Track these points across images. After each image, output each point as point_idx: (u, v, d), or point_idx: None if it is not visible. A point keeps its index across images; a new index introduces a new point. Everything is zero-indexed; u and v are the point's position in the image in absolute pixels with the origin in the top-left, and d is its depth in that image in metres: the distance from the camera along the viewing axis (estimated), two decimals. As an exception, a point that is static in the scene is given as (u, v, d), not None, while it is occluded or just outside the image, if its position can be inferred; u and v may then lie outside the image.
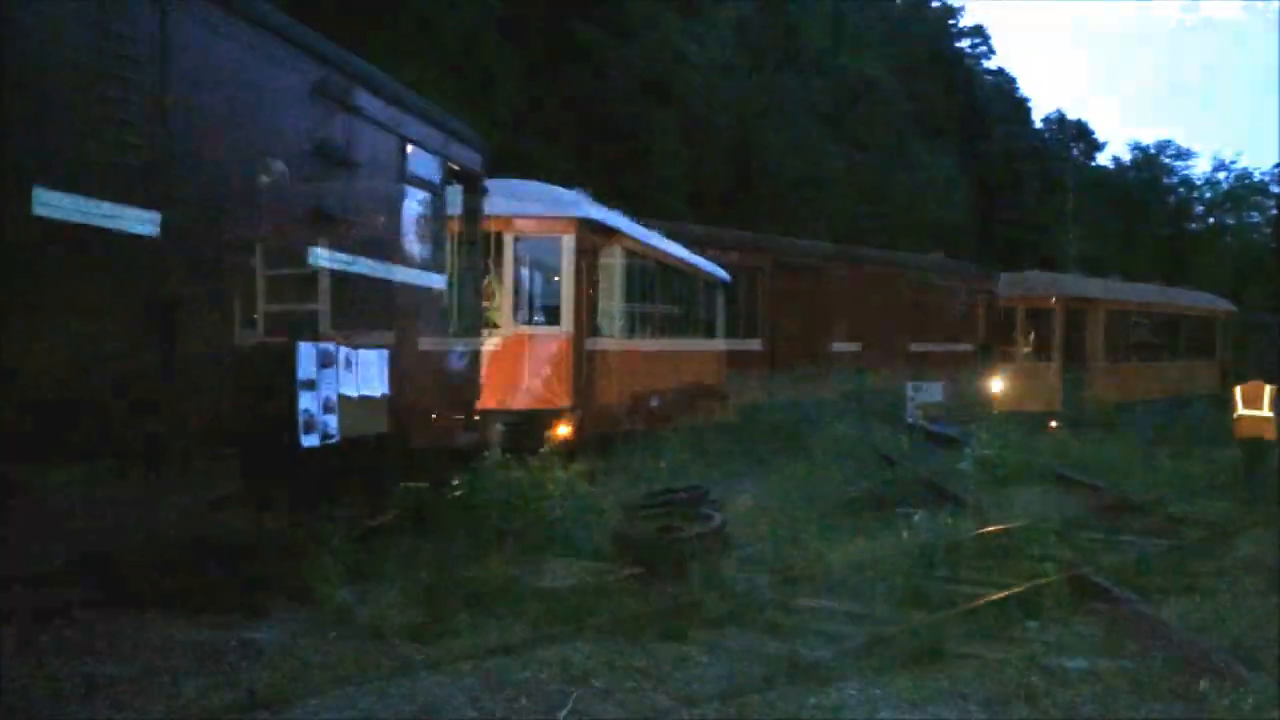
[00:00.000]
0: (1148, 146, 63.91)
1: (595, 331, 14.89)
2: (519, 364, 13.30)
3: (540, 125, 36.15)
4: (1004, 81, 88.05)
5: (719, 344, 25.00)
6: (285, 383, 6.98)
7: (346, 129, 7.83)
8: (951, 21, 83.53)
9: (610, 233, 15.33)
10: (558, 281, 13.94)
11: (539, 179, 15.46)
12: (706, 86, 44.15)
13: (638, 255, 16.82)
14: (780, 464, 15.81)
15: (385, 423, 8.28)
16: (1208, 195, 62.99)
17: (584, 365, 14.27)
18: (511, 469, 9.63)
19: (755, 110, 49.25)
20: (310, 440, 7.19)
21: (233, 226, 6.53)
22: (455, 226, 10.49)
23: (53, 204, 4.99)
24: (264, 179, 6.93)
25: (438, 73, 31.82)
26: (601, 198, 15.92)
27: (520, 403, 13.18)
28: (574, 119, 39.45)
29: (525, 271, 13.89)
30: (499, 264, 13.20)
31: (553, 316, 13.92)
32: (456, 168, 10.00)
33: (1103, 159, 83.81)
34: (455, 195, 10.34)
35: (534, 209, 13.68)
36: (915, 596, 7.23)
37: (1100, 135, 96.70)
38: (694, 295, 22.36)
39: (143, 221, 5.61)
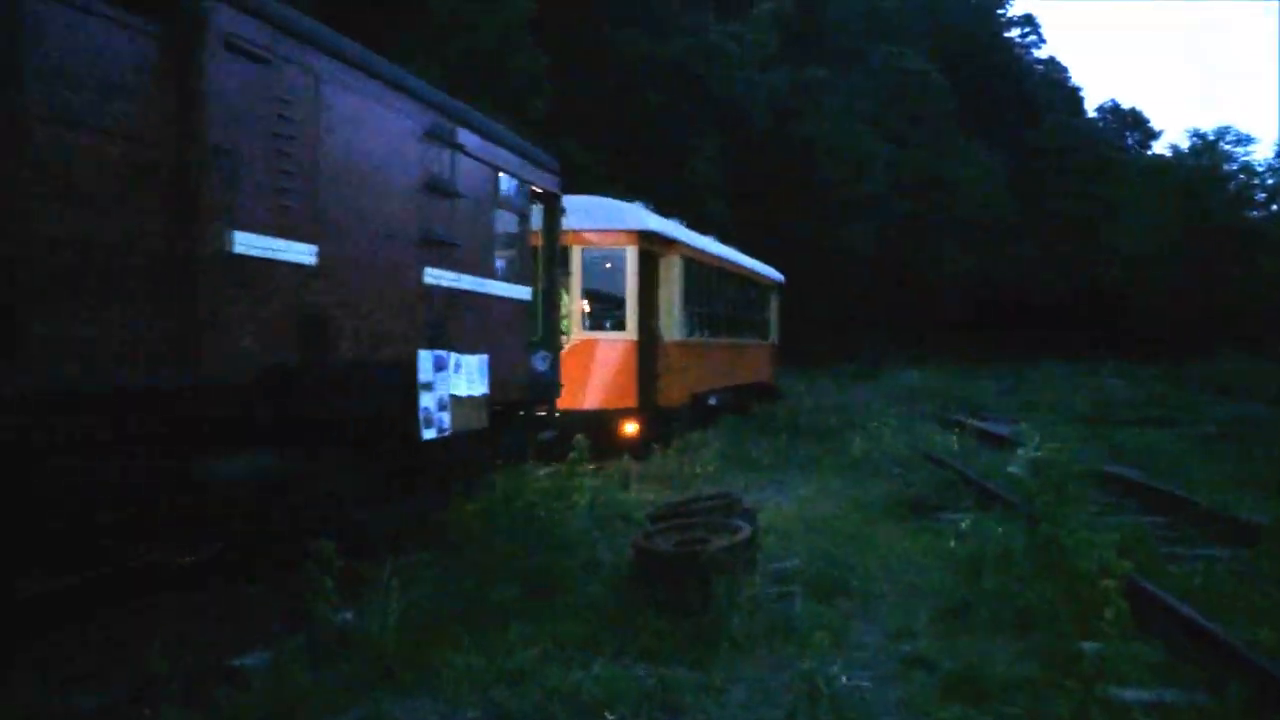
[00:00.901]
0: (1207, 133, 62.07)
1: (657, 335, 16.19)
2: (588, 367, 14.48)
3: (575, 124, 35.76)
4: (1054, 70, 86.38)
5: (772, 342, 27.09)
6: (408, 384, 8.24)
7: (450, 164, 9.07)
8: (1000, 11, 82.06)
9: (669, 242, 16.66)
10: (622, 290, 15.27)
11: (574, 179, 15.60)
12: (745, 83, 43.51)
13: (695, 261, 18.15)
14: (821, 460, 15.32)
15: (485, 419, 9.50)
16: (1269, 181, 61.07)
17: (647, 367, 15.60)
18: (544, 474, 9.24)
19: (794, 106, 48.55)
20: (429, 434, 8.41)
21: (366, 254, 7.73)
22: (537, 242, 11.66)
23: (246, 243, 6.27)
24: (388, 212, 8.09)
25: (472, 74, 31.62)
26: (637, 196, 16.05)
27: (589, 403, 14.36)
28: (609, 118, 39.05)
29: (592, 281, 15.17)
30: (568, 275, 14.38)
31: (618, 323, 15.24)
32: (538, 189, 11.36)
33: (1159, 147, 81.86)
34: (537, 214, 11.59)
35: (600, 223, 14.90)
36: (961, 613, 6.69)
37: (1156, 124, 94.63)
38: (748, 296, 23.77)
39: (305, 254, 6.90)
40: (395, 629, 5.87)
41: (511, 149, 10.55)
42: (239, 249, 6.20)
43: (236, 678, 5.28)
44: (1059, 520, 6.88)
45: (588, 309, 15.09)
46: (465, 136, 9.34)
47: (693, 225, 20.51)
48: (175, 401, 5.77)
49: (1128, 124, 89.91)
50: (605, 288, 15.39)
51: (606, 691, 5.22)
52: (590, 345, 14.75)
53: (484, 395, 9.48)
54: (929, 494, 11.35)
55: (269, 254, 6.52)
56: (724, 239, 23.90)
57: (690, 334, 17.98)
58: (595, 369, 14.67)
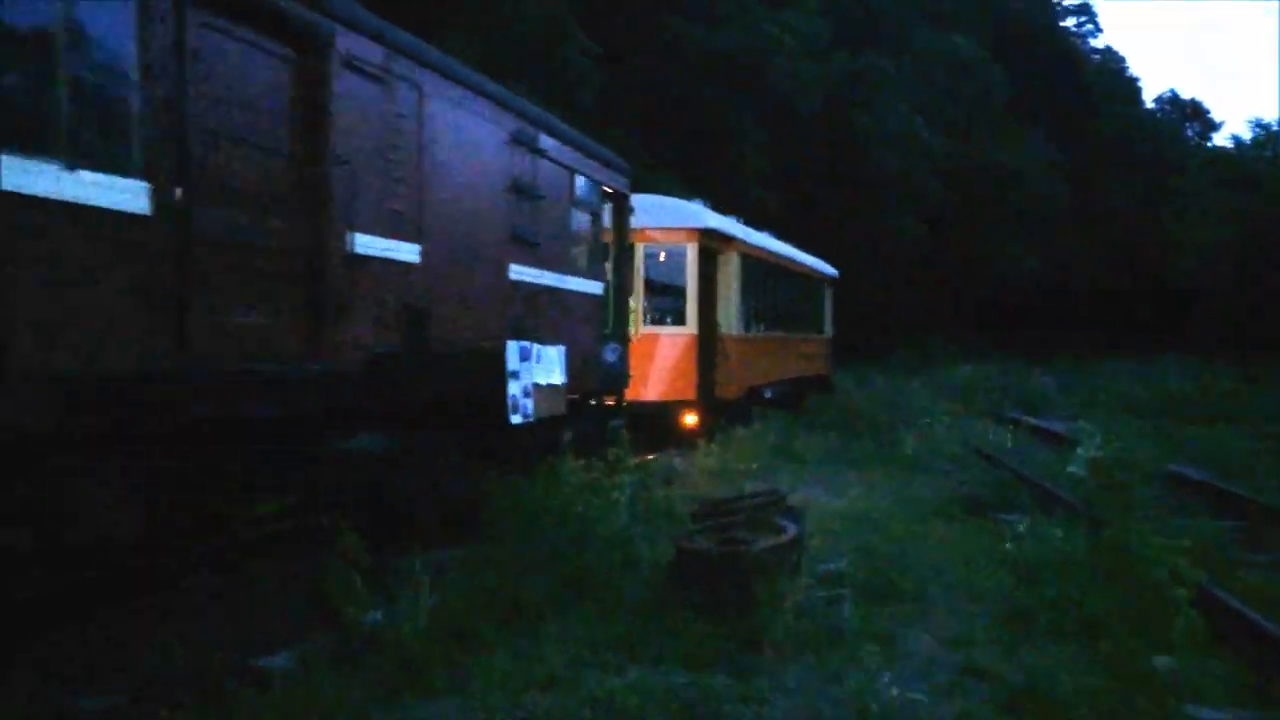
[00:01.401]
0: (1270, 123, 60.33)
1: (715, 329, 16.77)
2: (650, 360, 14.96)
3: (623, 113, 35.49)
4: (1112, 60, 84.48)
5: (827, 335, 28.04)
6: (497, 373, 8.82)
7: (533, 167, 9.75)
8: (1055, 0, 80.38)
9: (728, 240, 17.27)
10: (683, 285, 15.91)
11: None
12: (795, 72, 42.91)
13: (752, 258, 18.66)
14: (871, 456, 14.96)
15: (563, 406, 10.13)
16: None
17: (706, 360, 16.28)
18: (588, 467, 8.99)
19: (845, 94, 47.84)
20: (515, 419, 9.05)
21: (461, 252, 8.42)
22: (607, 238, 12.30)
23: (364, 244, 7.01)
24: (480, 213, 8.79)
25: (519, 61, 31.46)
26: (685, 185, 16.02)
27: (651, 394, 14.98)
28: (658, 106, 38.72)
29: (654, 277, 15.79)
30: (631, 271, 14.67)
31: (678, 317, 15.86)
32: (609, 189, 12.08)
33: (1220, 139, 79.78)
34: (608, 212, 12.24)
35: (662, 221, 15.35)
36: (1021, 620, 6.32)
37: (1217, 115, 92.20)
38: (804, 291, 24.49)
39: (411, 252, 7.64)
40: (425, 629, 5.65)
41: (585, 151, 11.29)
42: (359, 249, 6.96)
43: (259, 679, 5.08)
44: (1125, 524, 6.49)
45: (650, 304, 15.67)
46: (545, 141, 10.08)
47: (741, 215, 20.69)
48: (307, 385, 6.49)
49: (1187, 115, 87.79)
50: (666, 283, 16.02)
51: (642, 700, 4.95)
52: (652, 339, 15.27)
53: (562, 384, 10.12)
54: (983, 493, 10.97)
55: (382, 253, 7.27)
56: (773, 229, 23.87)
57: (747, 328, 18.42)
58: (657, 362, 15.25)
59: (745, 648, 5.70)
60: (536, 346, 9.51)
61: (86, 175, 4.85)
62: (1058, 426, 18.42)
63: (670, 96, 39.39)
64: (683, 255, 15.95)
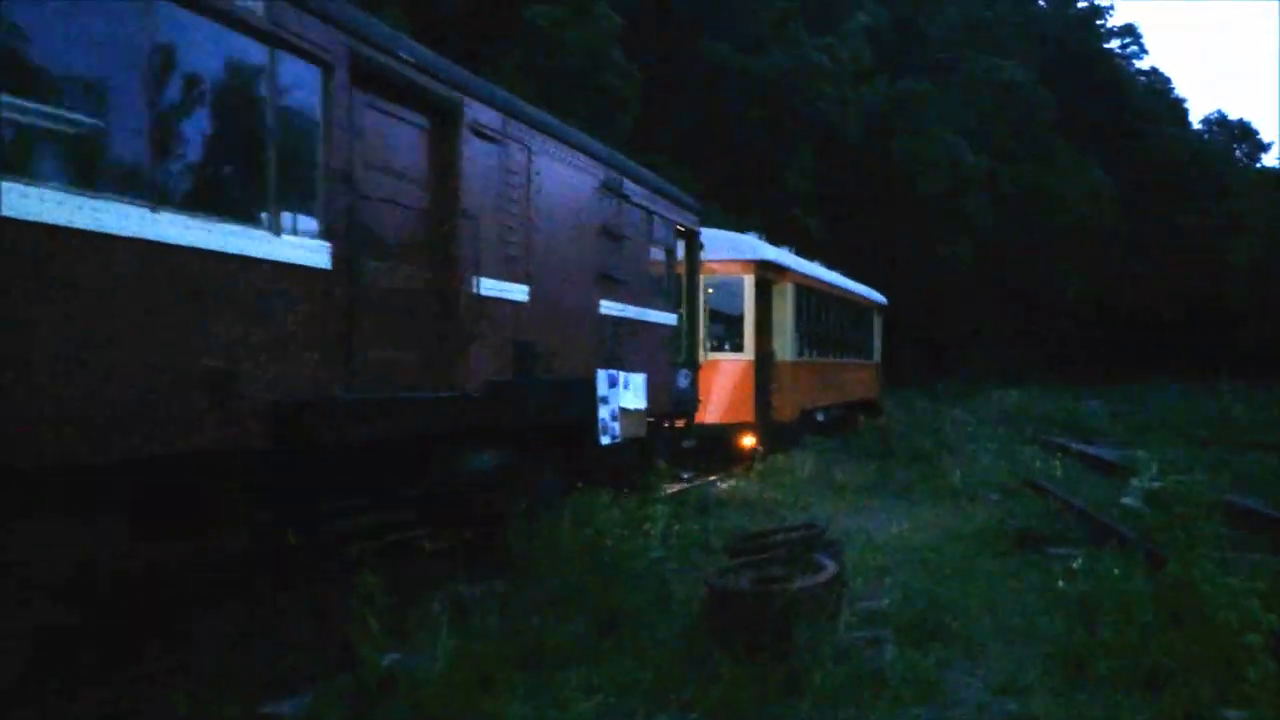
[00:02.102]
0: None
1: (771, 355, 17.74)
2: (710, 385, 15.57)
3: (666, 139, 35.38)
4: (1158, 82, 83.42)
5: (877, 361, 28.86)
6: (589, 398, 9.89)
7: (618, 211, 10.77)
8: (1100, 21, 79.54)
9: (782, 270, 18.26)
10: (740, 314, 16.92)
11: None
12: (838, 97, 42.63)
13: (805, 287, 19.65)
14: (916, 486, 14.56)
15: (644, 429, 11.25)
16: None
17: (763, 385, 17.23)
18: (621, 499, 8.72)
19: (889, 119, 47.45)
20: (605, 439, 10.08)
21: (560, 290, 9.38)
22: (680, 272, 13.19)
23: (486, 287, 8.00)
24: (576, 255, 9.74)
25: (562, 88, 31.47)
26: (728, 212, 16.23)
27: (712, 417, 15.75)
28: (701, 132, 38.60)
29: (714, 306, 16.39)
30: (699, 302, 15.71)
31: (737, 344, 16.87)
32: (682, 227, 13.01)
33: (1270, 159, 78.38)
34: (680, 248, 13.15)
35: (720, 254, 16.03)
36: (1077, 666, 5.92)
37: (1266, 135, 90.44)
38: (854, 318, 25.46)
39: (521, 292, 8.64)
40: (443, 672, 5.37)
41: (662, 194, 12.32)
42: (482, 291, 7.98)
43: (267, 726, 4.84)
44: (1189, 562, 6.08)
45: (711, 332, 16.25)
46: (629, 187, 11.08)
47: (784, 240, 21.23)
48: (441, 409, 7.47)
49: (1235, 136, 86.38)
50: (725, 312, 16.90)
51: (671, 752, 4.64)
52: (713, 365, 15.94)
53: (644, 408, 11.20)
54: (1033, 525, 10.50)
55: (499, 294, 8.28)
56: (816, 253, 24.19)
57: (801, 354, 19.36)
58: (717, 386, 16.01)
59: (781, 695, 5.36)
60: (622, 374, 10.64)
61: (288, 239, 6.01)
62: (1109, 454, 17.85)
63: (712, 121, 39.27)
64: (740, 285, 16.93)
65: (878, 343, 29.08)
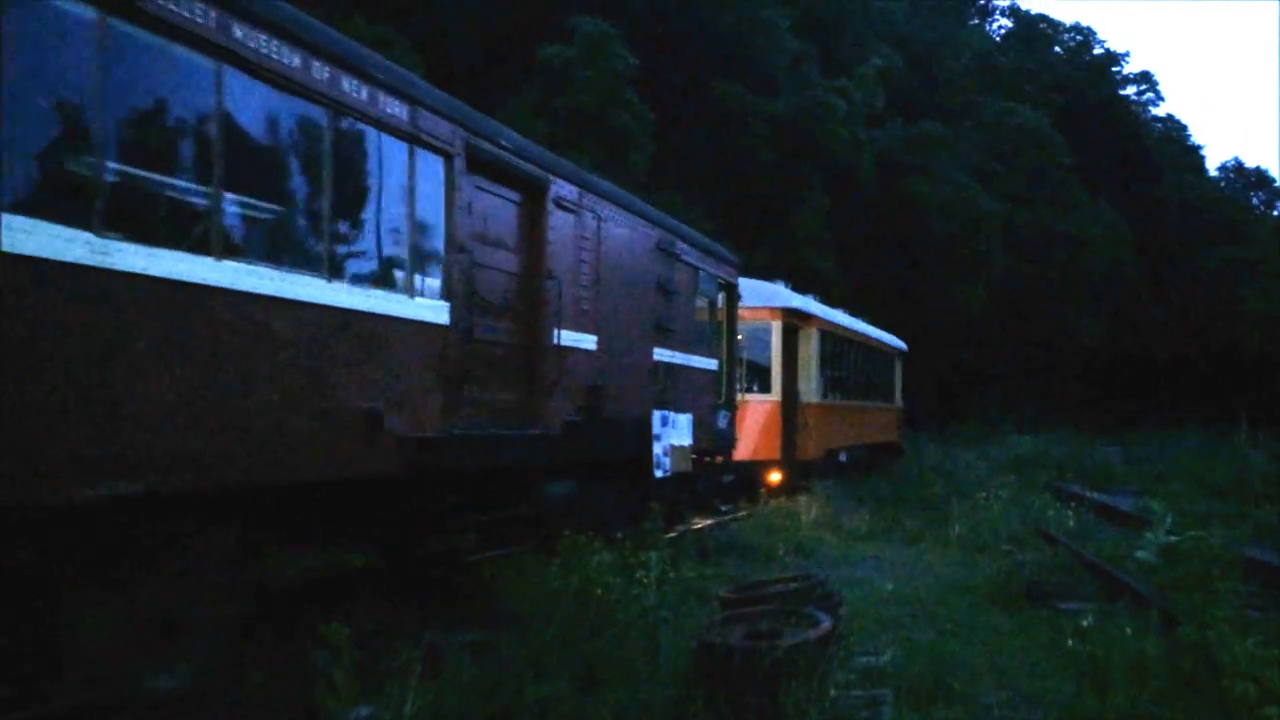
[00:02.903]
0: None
1: (797, 397, 18.87)
2: (740, 424, 15.90)
3: (679, 179, 35.33)
4: (1174, 129, 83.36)
5: (898, 405, 29.83)
6: (645, 436, 11.07)
7: (670, 268, 11.93)
8: (1115, 69, 79.62)
9: (807, 317, 19.51)
10: (768, 358, 18.08)
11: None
12: (852, 140, 42.57)
13: (829, 333, 20.80)
14: (924, 534, 14.21)
15: (690, 464, 12.36)
16: None
17: (789, 425, 18.38)
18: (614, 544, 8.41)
19: (904, 162, 47.37)
20: (658, 473, 11.29)
21: (623, 340, 10.55)
22: (719, 319, 14.21)
23: (565, 338, 9.18)
24: (635, 308, 10.93)
25: (575, 130, 31.50)
26: (741, 253, 17.11)
27: (742, 454, 16.23)
28: (715, 172, 38.56)
29: (744, 351, 17.04)
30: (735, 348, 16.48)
31: (764, 386, 17.97)
32: (722, 280, 14.13)
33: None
34: (720, 299, 14.21)
35: (749, 301, 16.47)
36: (1085, 732, 5.59)
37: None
38: (876, 364, 26.49)
39: (591, 342, 9.83)
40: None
41: (706, 251, 13.50)
42: (562, 342, 9.11)
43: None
44: (1205, 624, 5.74)
45: (740, 375, 16.74)
46: (679, 246, 12.30)
47: (796, 282, 21.63)
48: (528, 445, 8.61)
49: (1252, 183, 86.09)
50: (754, 356, 17.86)
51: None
52: (743, 405, 16.39)
53: (691, 445, 12.28)
54: (1044, 578, 10.15)
55: (575, 344, 9.41)
56: (829, 295, 25.04)
57: (824, 396, 20.34)
58: (746, 426, 16.60)
59: (769, 760, 5.05)
60: (672, 414, 11.76)
61: (420, 301, 7.28)
62: (1123, 503, 17.44)
63: (724, 161, 39.25)
64: (768, 331, 18.06)
65: (899, 387, 29.92)
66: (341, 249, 6.59)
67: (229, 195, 5.57)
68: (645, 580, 7.82)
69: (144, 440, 5.03)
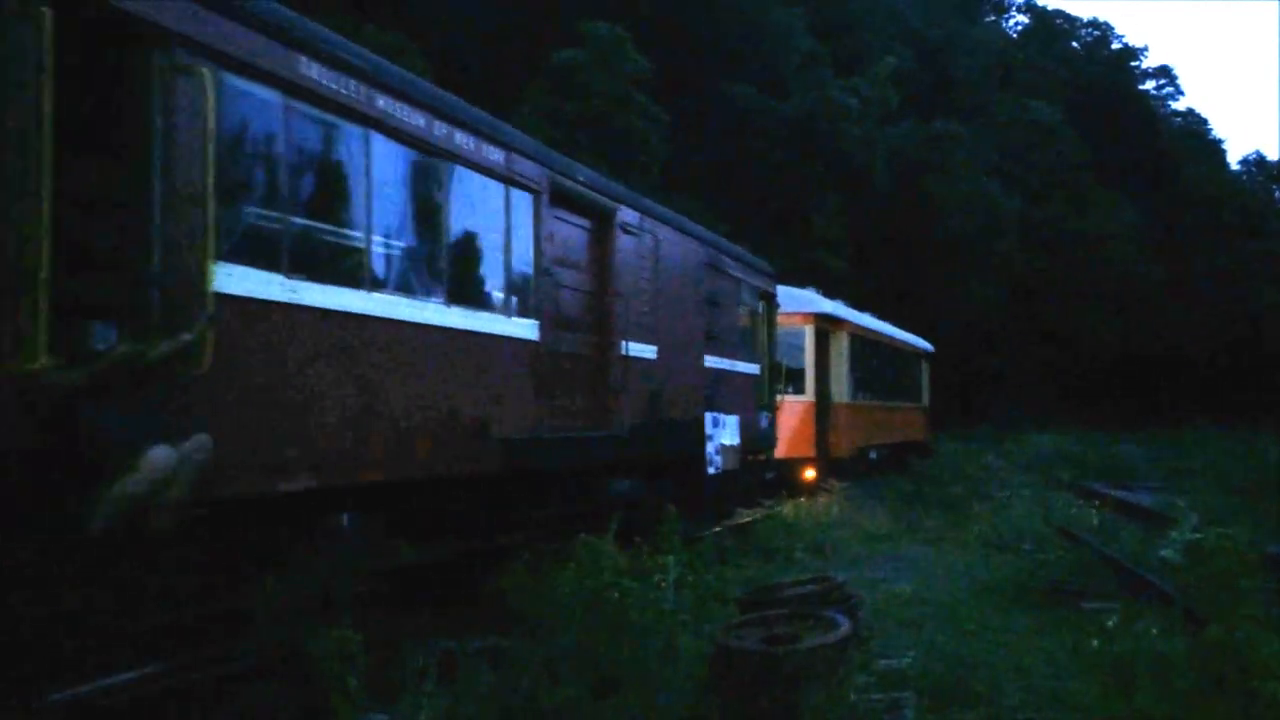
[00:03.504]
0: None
1: (829, 398, 20.00)
2: (777, 424, 16.68)
3: (690, 180, 35.25)
4: (1194, 123, 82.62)
5: (925, 405, 31.10)
6: (698, 436, 12.08)
7: (717, 282, 13.06)
8: (1134, 63, 79.04)
9: (838, 321, 20.70)
10: (802, 361, 19.13)
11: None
12: (865, 139, 42.39)
13: (859, 337, 21.93)
14: (944, 534, 14.10)
15: (738, 462, 13.33)
16: None
17: (822, 424, 19.53)
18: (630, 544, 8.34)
19: (919, 160, 47.14)
20: (710, 470, 12.29)
21: (678, 349, 11.61)
22: (760, 326, 15.33)
23: (630, 349, 10.27)
24: (688, 319, 12.02)
25: (586, 132, 31.46)
26: (755, 254, 17.25)
27: (779, 452, 17.17)
28: (725, 173, 38.46)
29: (778, 354, 17.60)
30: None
31: (798, 388, 18.85)
32: (762, 290, 15.26)
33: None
34: (760, 308, 15.30)
35: (784, 307, 17.33)
36: (1110, 735, 5.48)
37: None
38: (903, 365, 27.72)
39: (651, 352, 10.84)
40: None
41: (748, 265, 14.67)
42: (629, 353, 10.19)
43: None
44: (1232, 624, 5.62)
45: (776, 377, 17.63)
46: (725, 262, 13.43)
47: (811, 283, 21.90)
48: (599, 446, 9.75)
49: (1274, 177, 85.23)
50: (788, 359, 18.21)
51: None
52: (778, 406, 17.03)
53: (738, 445, 13.23)
54: (1066, 577, 10.03)
55: (638, 354, 10.48)
56: (843, 295, 24.74)
57: (855, 397, 21.40)
58: (782, 425, 17.21)
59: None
60: (722, 416, 12.74)
61: (517, 320, 8.45)
62: (1146, 501, 17.27)
63: (737, 162, 39.15)
64: (802, 335, 19.14)
65: (925, 388, 31.09)
66: (456, 277, 7.71)
67: (375, 238, 6.74)
68: (663, 583, 7.76)
69: (320, 444, 6.13)
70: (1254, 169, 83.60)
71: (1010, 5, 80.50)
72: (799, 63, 42.53)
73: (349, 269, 6.54)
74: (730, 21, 40.51)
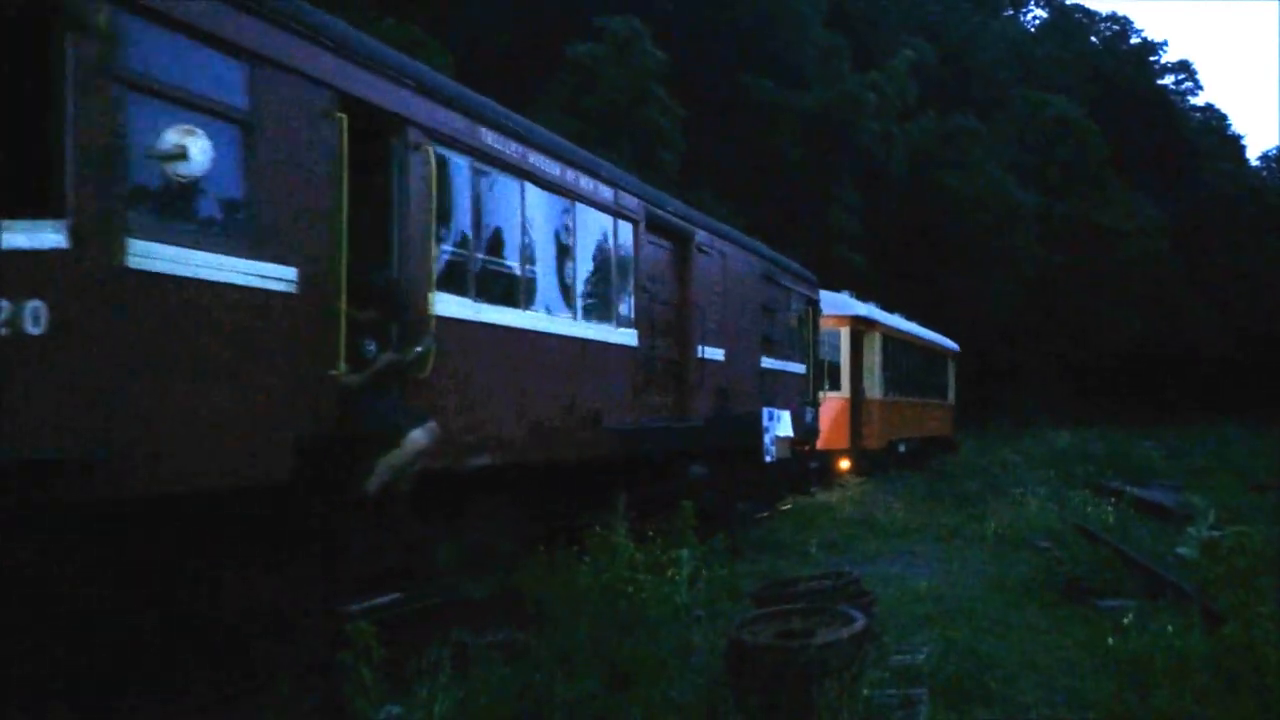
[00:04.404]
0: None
1: (862, 393, 21.70)
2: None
3: (709, 175, 35.19)
4: (1213, 118, 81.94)
5: (951, 402, 32.48)
6: (757, 428, 13.68)
7: (771, 291, 14.65)
8: (1153, 58, 78.43)
9: (871, 323, 22.42)
10: (838, 360, 20.86)
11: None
12: (883, 135, 42.20)
13: (890, 337, 23.61)
14: (960, 529, 14.05)
15: (790, 452, 15.10)
16: None
17: (856, 418, 21.29)
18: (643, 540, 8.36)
19: (937, 155, 46.91)
20: (768, 458, 13.88)
21: (741, 351, 13.12)
22: (805, 330, 16.82)
23: (705, 352, 11.81)
24: (748, 325, 13.55)
25: (605, 128, 31.44)
26: (773, 247, 16.92)
27: (817, 444, 18.32)
28: (743, 167, 38.37)
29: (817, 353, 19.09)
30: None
31: (835, 384, 20.58)
32: (807, 297, 16.88)
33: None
34: (807, 313, 16.88)
35: (824, 310, 18.48)
36: (1126, 734, 5.46)
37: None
38: (931, 364, 29.25)
39: (720, 354, 12.34)
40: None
41: (796, 275, 16.27)
42: (705, 355, 11.77)
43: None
44: (1249, 621, 5.59)
45: (816, 375, 18.81)
46: (778, 273, 15.04)
47: (829, 278, 22.25)
48: (680, 435, 11.26)
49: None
50: (826, 358, 19.81)
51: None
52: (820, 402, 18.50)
53: (790, 436, 14.73)
54: (1083, 574, 9.95)
55: (711, 357, 11.98)
56: (862, 289, 25.31)
57: (886, 393, 22.92)
58: (820, 419, 18.19)
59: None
60: (776, 410, 14.16)
61: (621, 330, 10.01)
62: (1164, 498, 17.16)
63: (755, 156, 39.06)
64: (838, 336, 20.72)
65: (952, 386, 32.60)
66: (579, 295, 9.33)
67: (525, 266, 8.41)
68: (677, 578, 7.77)
69: (494, 431, 7.77)
70: (1274, 165, 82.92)
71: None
72: (817, 57, 42.37)
73: (508, 292, 8.22)
74: (748, 15, 40.38)
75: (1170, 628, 6.78)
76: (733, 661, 5.68)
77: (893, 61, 45.73)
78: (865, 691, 5.24)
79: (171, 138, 5.13)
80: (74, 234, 4.64)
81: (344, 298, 6.20)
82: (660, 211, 11.00)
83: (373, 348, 6.57)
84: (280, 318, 5.75)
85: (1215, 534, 9.01)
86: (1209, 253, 61.77)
